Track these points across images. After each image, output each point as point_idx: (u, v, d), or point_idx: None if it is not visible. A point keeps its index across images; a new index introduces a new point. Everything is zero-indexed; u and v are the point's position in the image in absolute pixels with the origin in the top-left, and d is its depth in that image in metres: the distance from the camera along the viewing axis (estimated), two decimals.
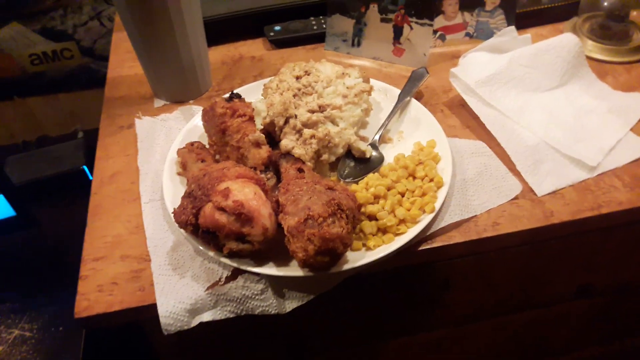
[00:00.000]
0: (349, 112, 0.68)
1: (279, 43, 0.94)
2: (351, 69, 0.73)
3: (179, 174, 0.69)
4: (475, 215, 0.64)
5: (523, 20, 0.91)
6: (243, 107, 0.69)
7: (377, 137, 0.72)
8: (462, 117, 0.77)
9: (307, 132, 0.66)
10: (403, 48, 0.87)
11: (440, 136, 0.70)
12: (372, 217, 0.61)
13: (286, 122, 0.67)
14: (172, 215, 0.58)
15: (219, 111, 0.68)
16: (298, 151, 0.65)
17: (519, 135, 0.71)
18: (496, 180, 0.67)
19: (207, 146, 0.72)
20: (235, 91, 0.72)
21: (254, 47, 0.95)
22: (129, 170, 0.73)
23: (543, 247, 0.71)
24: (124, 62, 0.94)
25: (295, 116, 0.67)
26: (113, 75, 0.91)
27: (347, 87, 0.69)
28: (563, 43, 0.78)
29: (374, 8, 0.85)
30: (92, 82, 1.51)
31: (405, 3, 0.83)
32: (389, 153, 0.71)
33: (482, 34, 0.90)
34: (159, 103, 0.84)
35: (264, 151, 0.65)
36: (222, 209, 0.55)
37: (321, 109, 0.68)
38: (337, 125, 0.68)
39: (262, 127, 0.68)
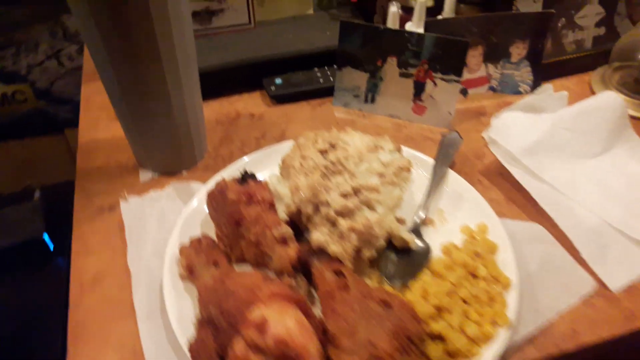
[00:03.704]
0: (387, 194, 0.57)
1: (281, 98, 0.82)
2: (382, 140, 0.62)
3: (182, 276, 0.56)
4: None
5: (547, 72, 0.83)
6: (260, 190, 0.57)
7: (417, 220, 0.61)
8: (503, 189, 0.68)
9: (343, 223, 0.54)
10: (425, 106, 0.77)
11: (490, 218, 0.60)
12: (434, 336, 0.50)
13: (316, 209, 0.55)
14: (188, 351, 0.45)
15: (232, 197, 0.56)
16: (335, 248, 0.53)
17: (577, 214, 0.62)
18: (564, 275, 0.57)
19: (214, 237, 0.59)
20: (247, 170, 0.60)
21: (251, 103, 0.83)
22: (116, 270, 0.59)
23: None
24: (98, 122, 0.79)
25: (327, 203, 0.55)
26: (86, 140, 0.76)
27: (383, 164, 0.58)
28: (607, 104, 0.70)
29: (392, 62, 0.75)
30: (49, 128, 1.34)
31: (429, 57, 0.73)
32: (432, 239, 0.60)
33: (507, 87, 0.82)
34: (145, 176, 0.70)
35: (293, 250, 0.53)
36: (257, 348, 0.42)
37: (356, 191, 0.57)
38: (375, 211, 0.57)
39: (286, 217, 0.56)
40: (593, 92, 0.83)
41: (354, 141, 0.61)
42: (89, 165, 0.72)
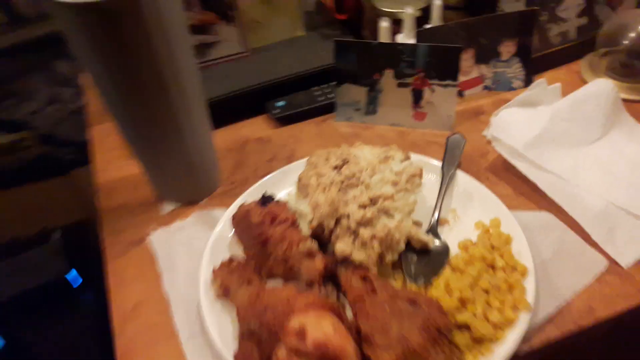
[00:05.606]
0: (402, 200, 0.61)
1: (285, 119, 0.86)
2: (392, 150, 0.65)
3: (218, 296, 0.59)
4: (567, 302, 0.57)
5: (537, 65, 0.87)
6: (282, 210, 0.60)
7: (433, 222, 0.64)
8: (511, 183, 0.71)
9: (364, 232, 0.57)
10: (425, 112, 0.81)
11: (502, 212, 0.63)
12: (461, 326, 0.52)
13: (337, 222, 0.59)
14: None
15: (256, 220, 0.59)
16: (359, 256, 0.57)
17: (583, 199, 0.65)
18: (577, 257, 0.60)
19: (243, 257, 0.62)
20: (266, 193, 0.63)
21: (257, 127, 0.86)
22: (153, 298, 0.62)
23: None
24: (112, 162, 0.83)
25: (348, 215, 0.58)
26: (103, 181, 0.80)
27: (396, 173, 0.62)
28: (600, 90, 0.74)
29: (388, 74, 0.79)
30: (55, 171, 1.37)
31: (424, 66, 0.77)
32: (449, 237, 0.63)
33: (501, 85, 0.86)
34: (167, 208, 0.73)
35: (319, 262, 0.56)
36: (299, 352, 0.45)
37: (373, 201, 0.60)
38: (393, 217, 0.60)
39: (309, 232, 0.59)
40: (584, 80, 0.86)
41: (365, 154, 0.65)
42: (111, 204, 0.75)
